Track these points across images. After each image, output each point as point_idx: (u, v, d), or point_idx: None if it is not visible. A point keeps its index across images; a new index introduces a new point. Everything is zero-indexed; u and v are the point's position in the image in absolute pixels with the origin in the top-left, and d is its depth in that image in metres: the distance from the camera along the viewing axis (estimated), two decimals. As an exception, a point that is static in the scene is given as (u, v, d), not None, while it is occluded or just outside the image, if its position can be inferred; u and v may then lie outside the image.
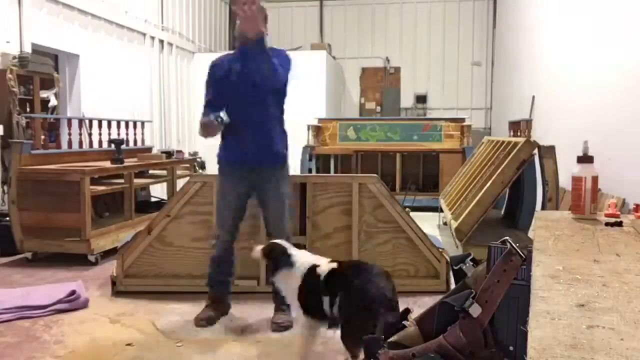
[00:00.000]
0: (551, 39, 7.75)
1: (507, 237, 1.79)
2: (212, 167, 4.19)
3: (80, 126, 7.22)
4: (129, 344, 3.16)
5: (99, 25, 8.20)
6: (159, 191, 8.45)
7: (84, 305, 3.79)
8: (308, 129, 8.87)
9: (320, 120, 9.28)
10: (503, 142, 5.48)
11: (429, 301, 3.92)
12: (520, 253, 1.73)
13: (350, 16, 13.27)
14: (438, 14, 12.89)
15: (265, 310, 3.73)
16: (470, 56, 12.89)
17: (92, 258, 4.99)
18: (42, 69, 6.45)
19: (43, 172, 5.00)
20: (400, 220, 4.14)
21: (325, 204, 4.16)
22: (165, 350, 3.09)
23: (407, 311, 2.06)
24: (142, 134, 7.55)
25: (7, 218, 5.10)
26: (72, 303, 3.76)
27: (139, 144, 7.41)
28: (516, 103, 9.85)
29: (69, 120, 6.19)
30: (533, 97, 8.51)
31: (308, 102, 10.91)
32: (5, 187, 5.67)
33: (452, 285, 4.07)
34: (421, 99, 13.08)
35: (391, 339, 1.87)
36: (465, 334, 1.70)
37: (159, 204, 6.92)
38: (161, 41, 10.05)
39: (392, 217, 4.14)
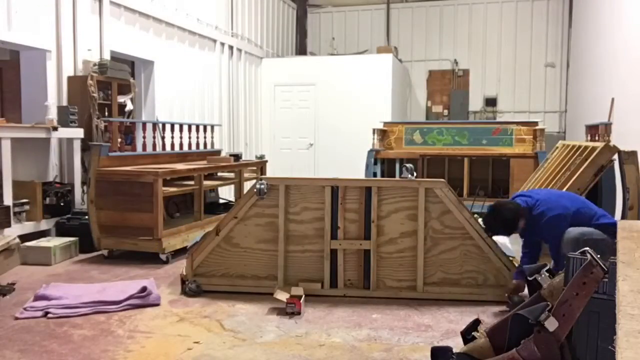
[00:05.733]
0: (633, 38, 7.30)
1: (587, 248, 1.69)
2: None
3: (154, 129, 7.52)
4: (196, 342, 3.24)
5: (172, 33, 8.52)
6: (226, 193, 8.67)
7: (156, 301, 3.93)
8: (373, 133, 8.81)
9: (385, 124, 9.19)
10: (579, 146, 5.22)
11: (498, 311, 3.79)
12: (602, 265, 1.62)
13: (417, 18, 13.08)
14: (509, 14, 12.47)
15: (328, 314, 3.73)
16: (543, 57, 12.37)
17: (163, 257, 5.17)
18: (120, 75, 6.77)
19: (119, 174, 5.24)
20: (469, 227, 4.02)
21: (390, 208, 4.10)
22: (230, 349, 3.14)
23: (477, 322, 1.99)
24: (212, 137, 7.77)
25: (87, 217, 5.38)
26: (144, 299, 3.91)
27: (209, 147, 7.62)
28: (594, 105, 9.35)
29: (144, 124, 6.46)
30: (612, 99, 8.05)
31: (373, 106, 10.88)
32: (85, 187, 5.99)
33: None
34: (491, 101, 12.69)
35: (460, 350, 1.81)
36: (540, 348, 1.61)
37: (227, 206, 7.09)
38: (231, 47, 10.31)
39: (460, 224, 4.03)
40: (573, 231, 3.53)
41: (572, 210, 3.69)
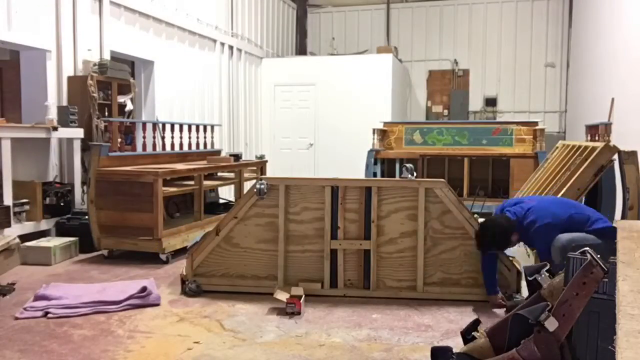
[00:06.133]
0: (633, 38, 7.30)
1: (587, 248, 1.69)
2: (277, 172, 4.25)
3: (154, 129, 7.51)
4: (196, 342, 3.24)
5: (172, 33, 8.51)
6: (227, 193, 8.67)
7: (156, 301, 3.93)
8: (373, 133, 8.81)
9: (385, 124, 9.19)
10: (579, 146, 5.22)
11: (498, 312, 3.78)
12: (602, 265, 1.62)
13: (417, 18, 13.08)
14: (509, 14, 12.48)
15: (328, 314, 3.73)
16: (543, 57, 12.38)
17: (163, 257, 5.17)
18: (120, 75, 6.76)
19: (119, 174, 5.24)
20: (469, 227, 4.02)
21: (390, 208, 4.10)
22: (230, 349, 3.14)
23: (477, 322, 1.98)
24: (212, 137, 7.77)
25: (87, 217, 5.38)
26: (144, 299, 3.91)
27: (209, 147, 7.62)
28: (594, 105, 9.35)
29: (144, 124, 6.46)
30: (612, 99, 8.05)
31: (373, 106, 10.88)
32: (85, 187, 5.99)
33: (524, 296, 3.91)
34: (491, 101, 12.69)
35: (460, 350, 1.81)
36: (540, 348, 1.61)
37: (227, 206, 7.09)
38: (231, 47, 10.31)
39: (460, 224, 4.03)
40: (562, 238, 3.47)
41: (564, 217, 3.63)
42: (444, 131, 8.75)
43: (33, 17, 5.95)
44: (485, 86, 12.71)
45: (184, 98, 8.84)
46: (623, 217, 4.44)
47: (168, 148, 6.81)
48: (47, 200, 5.71)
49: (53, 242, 5.26)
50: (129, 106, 6.92)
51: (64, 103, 6.27)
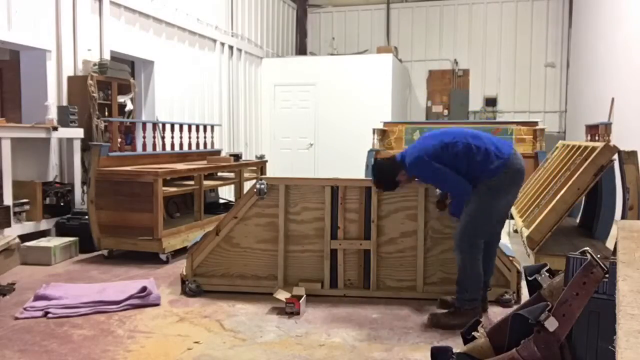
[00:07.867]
0: (633, 38, 7.30)
1: (587, 248, 1.69)
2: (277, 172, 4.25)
3: (154, 129, 7.52)
4: (196, 342, 3.24)
5: (172, 33, 8.51)
6: (227, 193, 8.67)
7: (156, 301, 3.93)
8: (373, 133, 8.80)
9: (385, 123, 9.18)
10: (579, 146, 5.22)
11: (498, 311, 3.78)
12: (602, 265, 1.62)
13: (417, 18, 13.08)
14: (509, 14, 12.48)
15: (329, 314, 3.73)
16: (543, 57, 12.38)
17: (163, 257, 5.17)
18: (120, 75, 6.77)
19: (119, 174, 5.24)
20: (469, 227, 4.01)
21: (390, 208, 4.10)
22: (230, 349, 3.14)
23: (477, 322, 1.99)
24: (212, 137, 7.77)
25: (87, 217, 5.38)
26: (144, 299, 3.91)
27: (209, 147, 7.62)
28: (594, 105, 9.35)
29: (144, 124, 6.46)
30: (612, 99, 8.05)
31: (373, 106, 10.88)
32: (85, 187, 5.99)
33: (524, 296, 3.91)
34: (491, 101, 12.69)
35: (460, 350, 1.81)
36: (540, 348, 1.61)
37: (227, 206, 7.09)
38: (231, 47, 10.31)
39: (460, 223, 4.02)
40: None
41: (435, 145, 3.51)
42: (444, 131, 8.73)
43: (33, 17, 5.95)
44: (485, 86, 12.71)
45: (184, 98, 8.84)
46: (623, 217, 4.44)
47: (168, 148, 6.81)
48: (47, 200, 5.71)
49: (53, 242, 5.26)
50: (129, 106, 6.92)
51: (64, 103, 6.27)
